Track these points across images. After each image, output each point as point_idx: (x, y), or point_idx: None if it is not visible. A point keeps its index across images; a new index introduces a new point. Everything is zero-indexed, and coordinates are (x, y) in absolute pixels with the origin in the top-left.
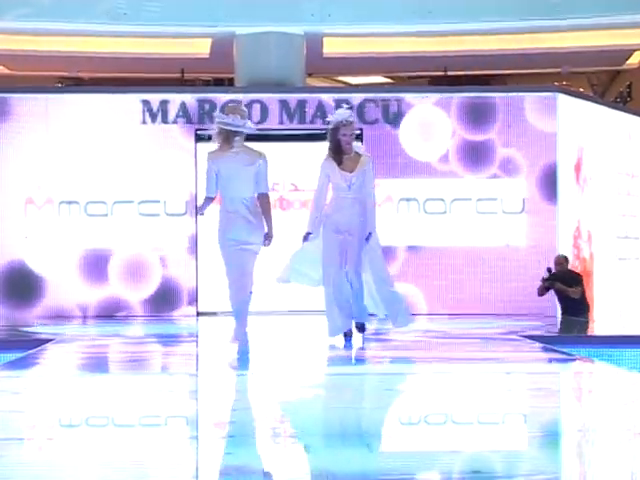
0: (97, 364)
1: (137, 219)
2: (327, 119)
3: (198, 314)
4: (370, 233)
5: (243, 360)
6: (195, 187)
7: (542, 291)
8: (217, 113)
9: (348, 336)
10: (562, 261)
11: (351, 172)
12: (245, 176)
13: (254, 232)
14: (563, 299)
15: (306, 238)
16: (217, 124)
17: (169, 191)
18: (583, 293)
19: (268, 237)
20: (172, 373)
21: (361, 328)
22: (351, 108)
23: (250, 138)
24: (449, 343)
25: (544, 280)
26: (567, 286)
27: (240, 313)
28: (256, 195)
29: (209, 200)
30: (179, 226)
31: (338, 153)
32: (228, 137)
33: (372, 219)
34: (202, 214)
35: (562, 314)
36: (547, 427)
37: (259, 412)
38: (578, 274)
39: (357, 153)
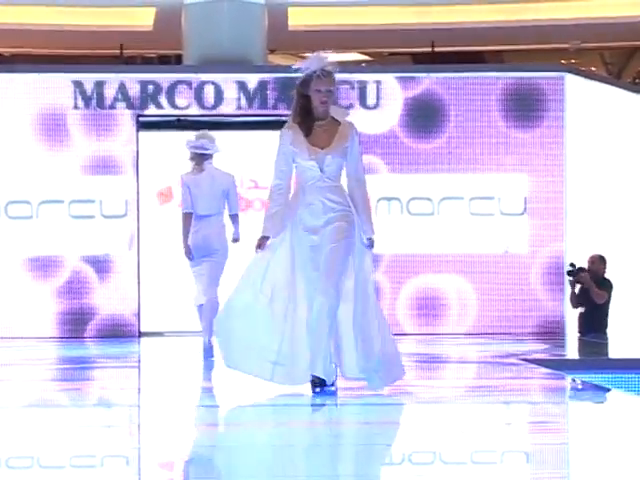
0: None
1: (68, 222)
2: (294, 66)
3: (140, 334)
4: (371, 240)
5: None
6: (136, 183)
7: (575, 301)
8: (188, 140)
9: (317, 384)
10: (595, 260)
11: (325, 148)
12: (214, 195)
13: (221, 242)
14: (584, 302)
15: (261, 246)
16: (189, 149)
17: (106, 189)
18: (607, 303)
19: (235, 240)
20: (111, 405)
21: (318, 384)
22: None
23: (203, 126)
24: (438, 369)
25: (569, 273)
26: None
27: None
28: (229, 215)
29: (189, 216)
30: (118, 229)
31: (307, 119)
32: (200, 160)
33: (369, 216)
34: (188, 246)
35: (579, 324)
36: (553, 470)
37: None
38: (609, 280)
39: (334, 119)
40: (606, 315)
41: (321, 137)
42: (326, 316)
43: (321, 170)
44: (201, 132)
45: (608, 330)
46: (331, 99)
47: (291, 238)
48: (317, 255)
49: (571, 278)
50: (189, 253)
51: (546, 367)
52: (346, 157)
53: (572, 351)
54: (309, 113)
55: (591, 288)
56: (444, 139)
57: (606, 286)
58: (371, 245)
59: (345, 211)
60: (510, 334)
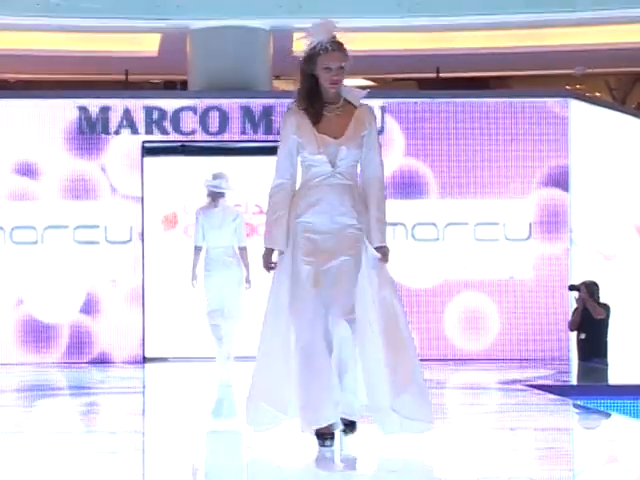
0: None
1: (72, 247)
2: (298, 38)
3: (145, 360)
4: (382, 250)
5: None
6: (141, 209)
7: (574, 321)
8: (206, 179)
9: (328, 437)
10: (588, 285)
11: (338, 137)
12: (226, 229)
13: (233, 271)
14: (584, 327)
15: (269, 263)
16: (208, 188)
17: (111, 214)
18: (606, 328)
19: (247, 281)
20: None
21: (350, 427)
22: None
23: (208, 152)
24: (443, 394)
25: (570, 288)
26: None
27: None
28: (237, 248)
29: (198, 250)
30: (123, 255)
31: (314, 103)
32: (215, 198)
33: (382, 222)
34: (195, 279)
35: (579, 349)
36: None
37: None
38: (606, 304)
39: (347, 102)
40: (606, 341)
41: (332, 124)
42: (351, 347)
43: (333, 165)
44: (218, 172)
45: (608, 355)
46: (343, 77)
47: (292, 251)
48: (320, 254)
49: (576, 294)
50: (194, 279)
51: (550, 393)
52: (366, 147)
53: (577, 377)
54: (317, 96)
55: (590, 303)
56: (449, 164)
57: (604, 308)
58: (384, 255)
59: (355, 220)
60: (515, 359)
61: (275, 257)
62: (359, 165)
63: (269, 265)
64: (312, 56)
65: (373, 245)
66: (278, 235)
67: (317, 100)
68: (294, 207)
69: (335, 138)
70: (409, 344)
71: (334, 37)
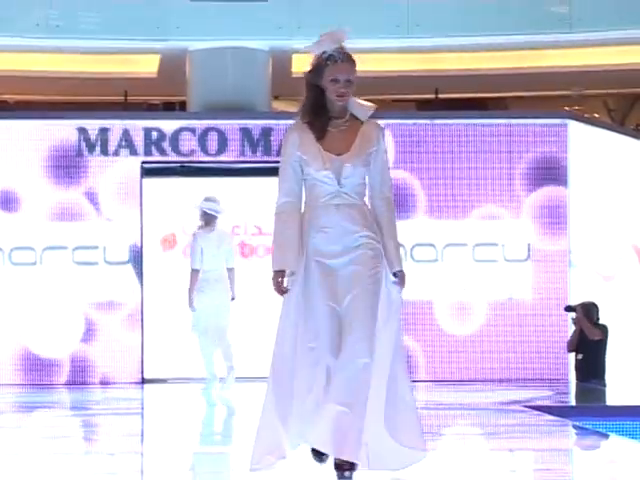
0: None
1: (71, 268)
2: (302, 50)
3: (144, 381)
4: (400, 274)
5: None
6: (140, 230)
7: (572, 342)
8: (201, 202)
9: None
10: (586, 306)
11: (343, 154)
12: (221, 252)
13: (225, 291)
14: (581, 347)
15: (281, 286)
16: (205, 209)
17: (110, 235)
18: (604, 349)
19: (232, 298)
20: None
21: (349, 468)
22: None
23: (207, 173)
24: (440, 416)
25: (567, 309)
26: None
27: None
28: (227, 268)
29: (196, 272)
30: (121, 276)
31: (319, 117)
32: (211, 220)
33: (397, 244)
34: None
35: (577, 370)
36: None
37: None
38: (604, 325)
39: (354, 117)
40: (603, 361)
41: (338, 140)
42: (365, 385)
43: (338, 183)
44: (211, 195)
45: (606, 376)
46: (351, 91)
47: (304, 280)
48: (333, 283)
49: (573, 315)
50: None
51: (549, 414)
52: (374, 166)
53: (575, 397)
54: (322, 110)
55: (584, 325)
56: (448, 185)
57: (601, 329)
58: (402, 281)
59: (369, 237)
60: (513, 380)
61: (286, 280)
62: (367, 183)
63: (281, 288)
64: (319, 67)
65: (394, 269)
66: (289, 255)
67: (322, 114)
68: (303, 230)
69: (339, 155)
70: (403, 376)
71: (342, 47)
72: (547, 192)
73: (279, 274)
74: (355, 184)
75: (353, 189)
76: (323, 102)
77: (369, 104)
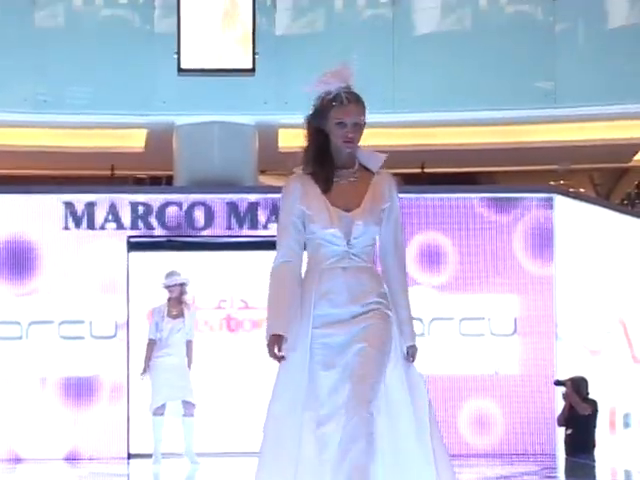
0: None
1: (58, 342)
2: (305, 90)
3: (129, 456)
4: (413, 350)
5: None
6: (126, 304)
7: (562, 417)
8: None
9: None
10: (576, 380)
11: (353, 210)
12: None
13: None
14: (571, 422)
15: (275, 351)
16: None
17: (96, 309)
18: (593, 423)
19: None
20: None
21: None
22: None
23: (194, 247)
24: None
25: (556, 383)
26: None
27: None
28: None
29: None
30: (108, 350)
31: (324, 167)
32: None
33: (410, 315)
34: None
35: (566, 445)
36: None
37: None
38: (593, 400)
39: (364, 168)
40: (593, 436)
41: (347, 194)
42: (365, 456)
43: (347, 243)
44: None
45: (595, 451)
46: (360, 136)
47: (304, 348)
48: (336, 357)
49: (563, 389)
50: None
51: None
52: (387, 222)
53: (563, 473)
54: (328, 158)
55: (574, 400)
56: (434, 259)
57: (591, 403)
58: (412, 356)
59: (380, 304)
60: (501, 455)
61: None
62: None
63: (276, 355)
64: (323, 108)
65: (407, 343)
66: (282, 320)
67: (327, 162)
68: (303, 298)
69: (348, 211)
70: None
71: (350, 87)
72: (533, 266)
73: (274, 339)
74: (365, 245)
75: (363, 250)
76: (328, 149)
77: (378, 153)
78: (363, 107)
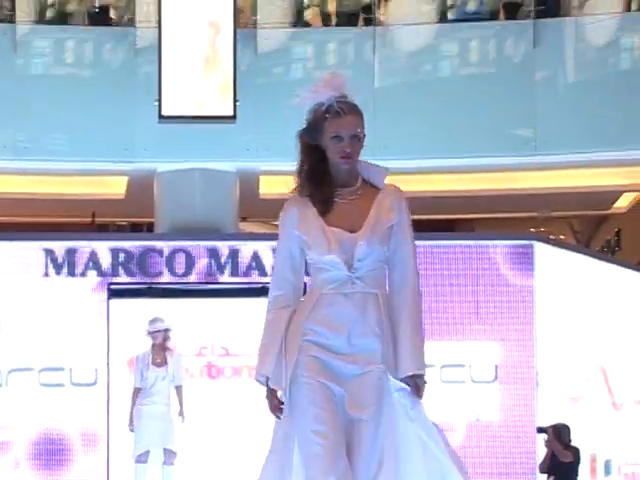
0: None
1: (37, 390)
2: (296, 97)
3: None
4: (422, 378)
5: None
6: (107, 351)
7: (544, 464)
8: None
9: None
10: (561, 428)
11: (355, 231)
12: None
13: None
14: (553, 469)
15: (275, 403)
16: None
17: (76, 357)
18: (575, 470)
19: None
20: None
21: None
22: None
23: (174, 294)
24: None
25: (538, 430)
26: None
27: None
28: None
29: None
30: (88, 398)
31: (321, 187)
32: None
33: (416, 344)
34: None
35: None
36: None
37: None
38: (576, 448)
39: (366, 183)
40: None
41: (348, 214)
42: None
43: (350, 268)
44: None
45: None
46: (359, 150)
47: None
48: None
49: (545, 436)
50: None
51: None
52: (395, 241)
53: None
54: (325, 177)
55: (555, 447)
56: None
57: (573, 451)
58: (417, 389)
59: (385, 352)
60: None
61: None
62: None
63: (276, 406)
64: (316, 122)
65: (403, 374)
66: (269, 361)
67: (325, 182)
68: (297, 321)
69: (351, 232)
70: None
71: (345, 96)
72: (513, 312)
73: (273, 391)
74: (371, 268)
75: (368, 274)
76: (325, 166)
77: (381, 167)
78: (361, 117)
